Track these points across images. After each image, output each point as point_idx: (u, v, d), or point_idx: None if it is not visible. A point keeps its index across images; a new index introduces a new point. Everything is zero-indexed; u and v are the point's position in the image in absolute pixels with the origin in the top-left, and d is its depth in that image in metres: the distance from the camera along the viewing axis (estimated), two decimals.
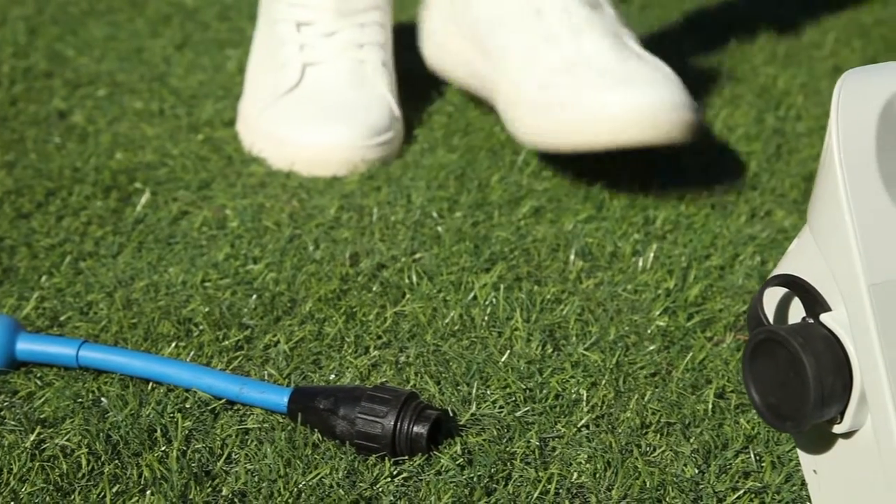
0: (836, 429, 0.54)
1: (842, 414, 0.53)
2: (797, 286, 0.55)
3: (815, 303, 0.54)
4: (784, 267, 0.56)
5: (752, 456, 0.62)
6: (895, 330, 0.51)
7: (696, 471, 0.61)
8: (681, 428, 0.64)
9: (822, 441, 0.56)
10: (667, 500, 0.59)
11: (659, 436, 0.63)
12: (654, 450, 0.62)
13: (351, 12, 0.98)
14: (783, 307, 0.57)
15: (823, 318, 0.53)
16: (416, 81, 1.04)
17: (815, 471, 0.57)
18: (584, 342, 0.71)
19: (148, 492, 0.57)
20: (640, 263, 0.79)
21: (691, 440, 0.63)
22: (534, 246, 0.81)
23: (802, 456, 0.58)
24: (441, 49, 1.01)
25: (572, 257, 0.80)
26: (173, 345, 0.69)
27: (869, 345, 0.51)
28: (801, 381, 0.52)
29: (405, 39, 1.07)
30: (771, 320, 0.56)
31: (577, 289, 0.77)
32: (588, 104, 0.85)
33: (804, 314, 0.55)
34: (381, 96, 0.97)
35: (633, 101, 0.84)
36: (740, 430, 0.64)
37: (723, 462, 0.61)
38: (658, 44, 1.07)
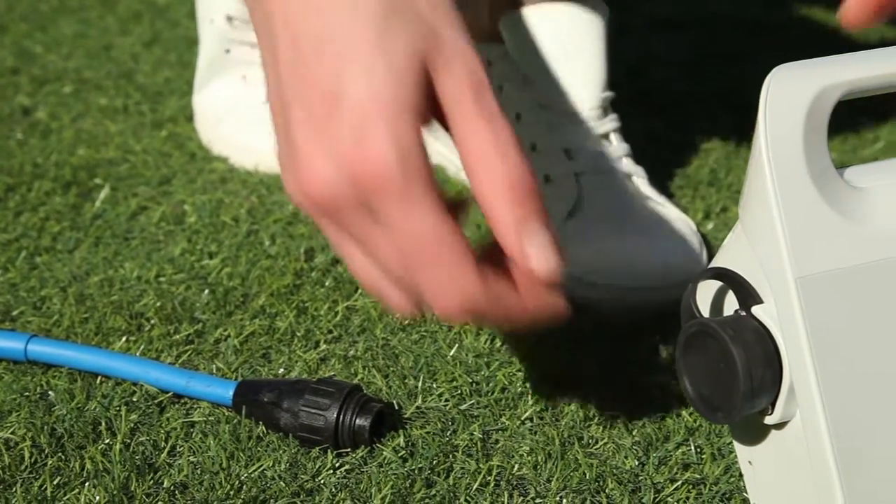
0: (768, 420, 0.55)
1: (773, 405, 0.54)
2: (729, 279, 0.55)
3: (748, 295, 0.55)
4: (719, 260, 0.57)
5: (693, 448, 0.62)
6: (822, 322, 0.52)
7: (636, 462, 0.61)
8: (624, 421, 0.64)
9: (756, 432, 0.57)
10: (605, 491, 0.59)
11: (602, 428, 0.64)
12: (597, 442, 0.63)
13: None
14: (719, 300, 0.57)
15: (755, 310, 0.54)
16: None
17: (750, 462, 0.58)
18: (533, 337, 0.71)
19: (88, 484, 0.58)
20: None
21: (633, 432, 0.64)
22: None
23: (738, 447, 0.58)
24: None
25: None
26: (124, 339, 0.70)
27: (796, 337, 0.52)
28: (730, 373, 0.53)
29: None
30: (706, 313, 0.57)
31: None
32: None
33: (737, 307, 0.56)
34: None
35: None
36: (682, 423, 0.64)
37: (663, 454, 0.62)
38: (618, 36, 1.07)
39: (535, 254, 0.49)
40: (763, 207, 0.53)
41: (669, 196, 0.89)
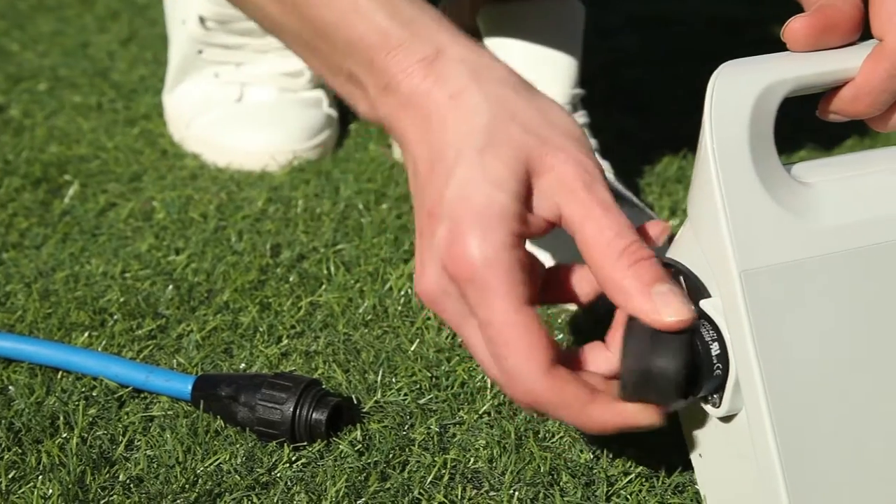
0: (715, 413, 0.55)
1: (720, 398, 0.55)
2: (678, 272, 0.56)
3: (697, 289, 0.55)
4: (670, 255, 0.57)
5: (649, 442, 0.63)
6: (766, 316, 0.52)
7: (591, 456, 0.62)
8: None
9: (705, 426, 0.57)
10: (559, 484, 0.60)
11: (558, 423, 0.64)
12: (553, 436, 0.63)
13: None
14: None
15: (702, 304, 0.55)
16: None
17: (700, 455, 0.58)
18: None
19: (43, 477, 0.58)
20: None
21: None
22: None
23: (688, 440, 0.59)
24: None
25: None
26: (86, 334, 0.70)
27: (740, 331, 0.52)
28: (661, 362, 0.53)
29: None
30: None
31: None
32: None
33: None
34: (315, 97, 0.98)
35: None
36: None
37: (618, 448, 0.62)
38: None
39: (669, 309, 0.51)
40: (708, 202, 0.53)
41: (637, 192, 0.90)
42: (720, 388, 0.54)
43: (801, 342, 0.53)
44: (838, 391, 0.53)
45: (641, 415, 0.53)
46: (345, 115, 1.01)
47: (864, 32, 0.55)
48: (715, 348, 0.54)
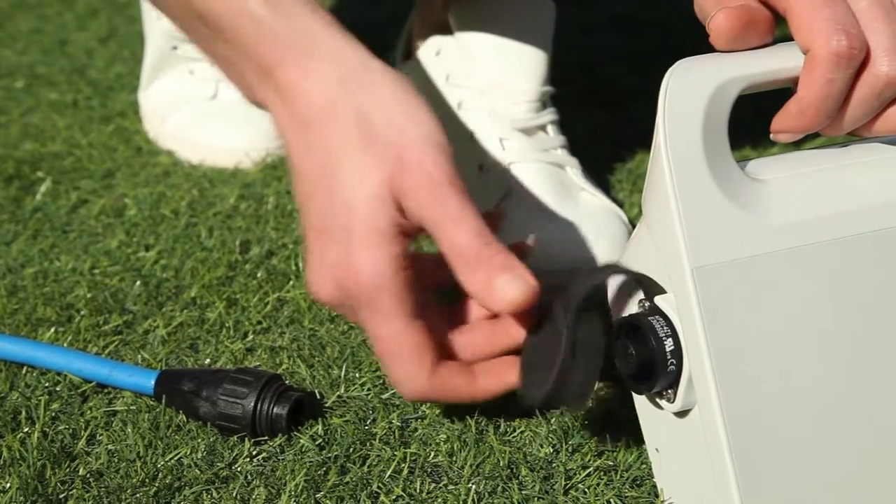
0: (670, 408, 0.56)
1: (675, 394, 0.55)
2: (626, 271, 0.56)
3: (651, 286, 0.56)
4: (628, 252, 0.57)
5: (609, 436, 0.63)
6: (719, 312, 0.53)
7: (551, 450, 0.62)
8: (542, 410, 0.65)
9: (662, 420, 0.58)
10: (518, 478, 0.60)
11: (520, 417, 0.65)
12: (514, 430, 0.64)
13: None
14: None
15: (658, 300, 0.55)
16: None
17: (657, 449, 0.59)
18: None
19: (1, 471, 0.58)
20: None
21: (551, 421, 0.64)
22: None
23: (646, 434, 0.59)
24: None
25: None
26: (53, 330, 0.70)
27: (693, 327, 0.53)
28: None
29: None
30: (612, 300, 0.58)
31: None
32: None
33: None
34: None
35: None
36: (601, 412, 0.65)
37: (579, 441, 0.63)
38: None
39: (503, 287, 0.56)
40: (661, 199, 0.54)
41: (608, 189, 0.90)
42: (675, 384, 0.55)
43: (753, 338, 0.53)
44: (790, 387, 0.53)
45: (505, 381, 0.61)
46: None
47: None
48: (669, 344, 0.54)
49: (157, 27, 1.00)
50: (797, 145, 0.63)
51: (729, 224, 0.54)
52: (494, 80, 0.84)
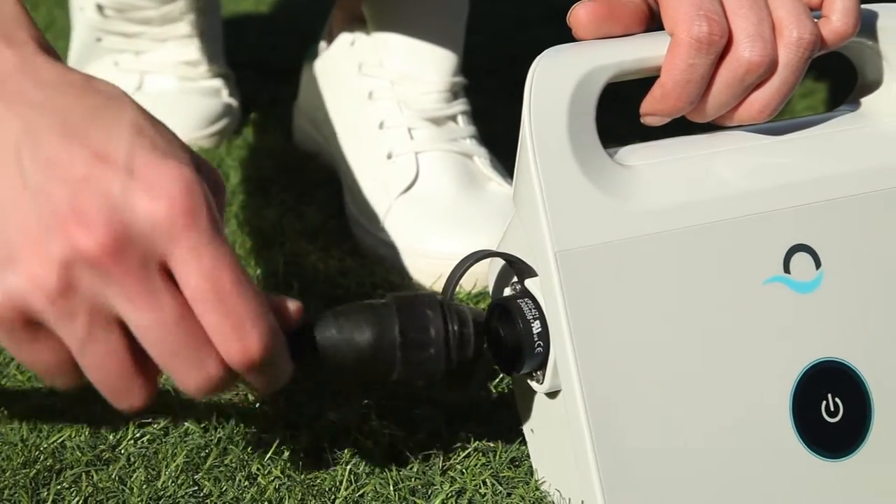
0: (539, 389, 0.57)
1: (543, 375, 0.56)
2: (499, 255, 0.57)
3: (525, 270, 0.56)
4: (504, 238, 0.58)
5: (489, 418, 0.64)
6: (582, 296, 0.54)
7: (431, 432, 0.63)
8: (427, 394, 0.66)
9: (533, 401, 0.59)
10: (397, 458, 0.61)
11: (404, 402, 0.65)
12: (396, 412, 0.65)
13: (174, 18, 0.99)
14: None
15: (527, 282, 0.56)
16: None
17: (531, 430, 0.60)
18: None
19: None
20: None
21: (435, 404, 0.65)
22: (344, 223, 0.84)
23: (522, 416, 0.60)
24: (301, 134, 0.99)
25: None
26: None
27: (556, 310, 0.54)
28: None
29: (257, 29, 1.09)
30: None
31: None
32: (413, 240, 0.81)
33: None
34: (214, 86, 1.00)
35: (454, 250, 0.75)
36: (488, 398, 0.66)
37: (459, 424, 0.64)
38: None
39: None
40: (528, 186, 0.55)
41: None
42: (543, 366, 0.56)
43: (616, 321, 0.54)
44: (651, 369, 0.54)
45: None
46: (248, 104, 1.03)
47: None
48: (536, 326, 0.55)
49: (81, 18, 1.00)
50: (687, 131, 0.64)
51: (594, 209, 0.55)
52: (405, 71, 0.85)
